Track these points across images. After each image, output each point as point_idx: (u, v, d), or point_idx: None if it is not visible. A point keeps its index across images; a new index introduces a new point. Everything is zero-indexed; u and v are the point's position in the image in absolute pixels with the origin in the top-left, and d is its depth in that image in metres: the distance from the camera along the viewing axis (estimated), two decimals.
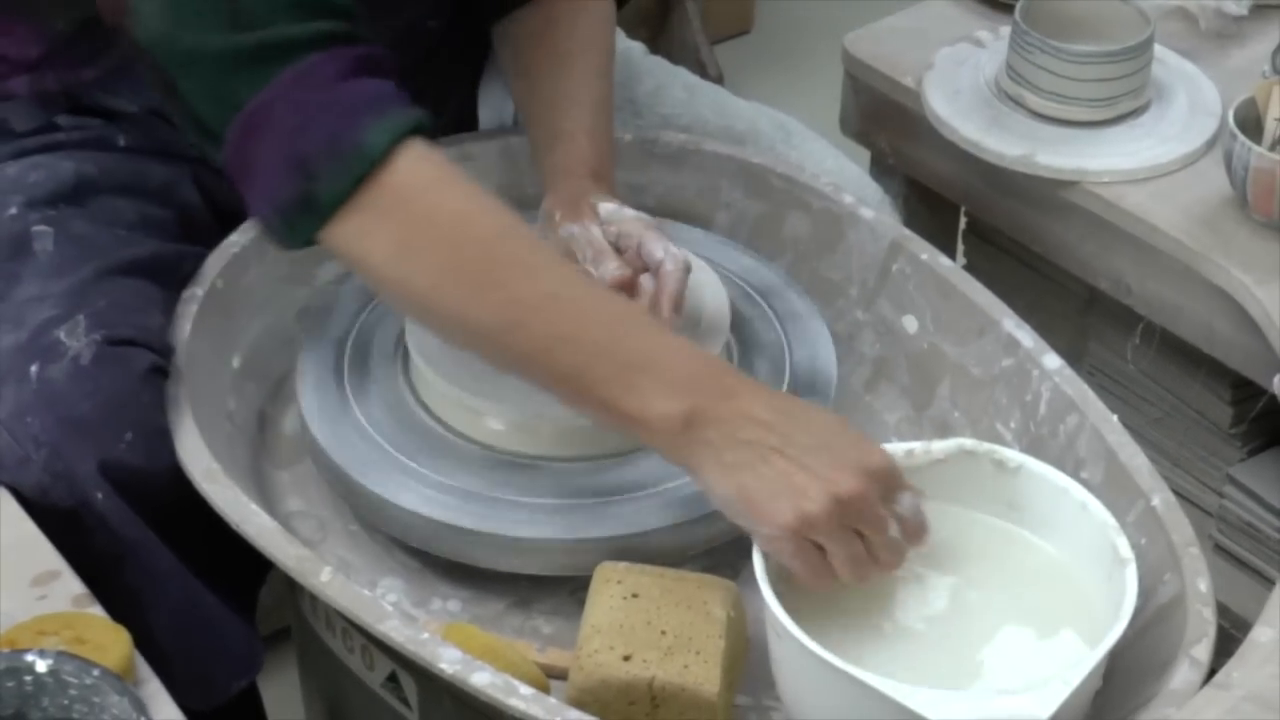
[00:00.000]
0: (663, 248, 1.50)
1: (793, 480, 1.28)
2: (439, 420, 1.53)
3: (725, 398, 1.30)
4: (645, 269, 1.52)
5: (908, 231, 1.70)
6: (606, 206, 1.54)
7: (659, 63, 1.93)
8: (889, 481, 1.30)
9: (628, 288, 1.50)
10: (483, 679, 1.27)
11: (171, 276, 1.59)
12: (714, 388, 1.30)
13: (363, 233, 1.35)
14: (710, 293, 1.58)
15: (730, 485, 1.29)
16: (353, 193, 1.33)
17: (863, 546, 1.29)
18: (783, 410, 1.31)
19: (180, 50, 1.34)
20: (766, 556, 1.32)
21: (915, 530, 1.32)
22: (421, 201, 1.35)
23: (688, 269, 1.50)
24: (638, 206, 1.67)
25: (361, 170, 1.32)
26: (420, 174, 1.34)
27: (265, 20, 1.32)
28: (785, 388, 1.56)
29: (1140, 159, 1.85)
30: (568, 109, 1.63)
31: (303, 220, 1.36)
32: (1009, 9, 1.97)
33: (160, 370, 1.48)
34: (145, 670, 1.27)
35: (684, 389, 1.29)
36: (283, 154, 1.33)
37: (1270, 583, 1.84)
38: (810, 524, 1.27)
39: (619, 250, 1.53)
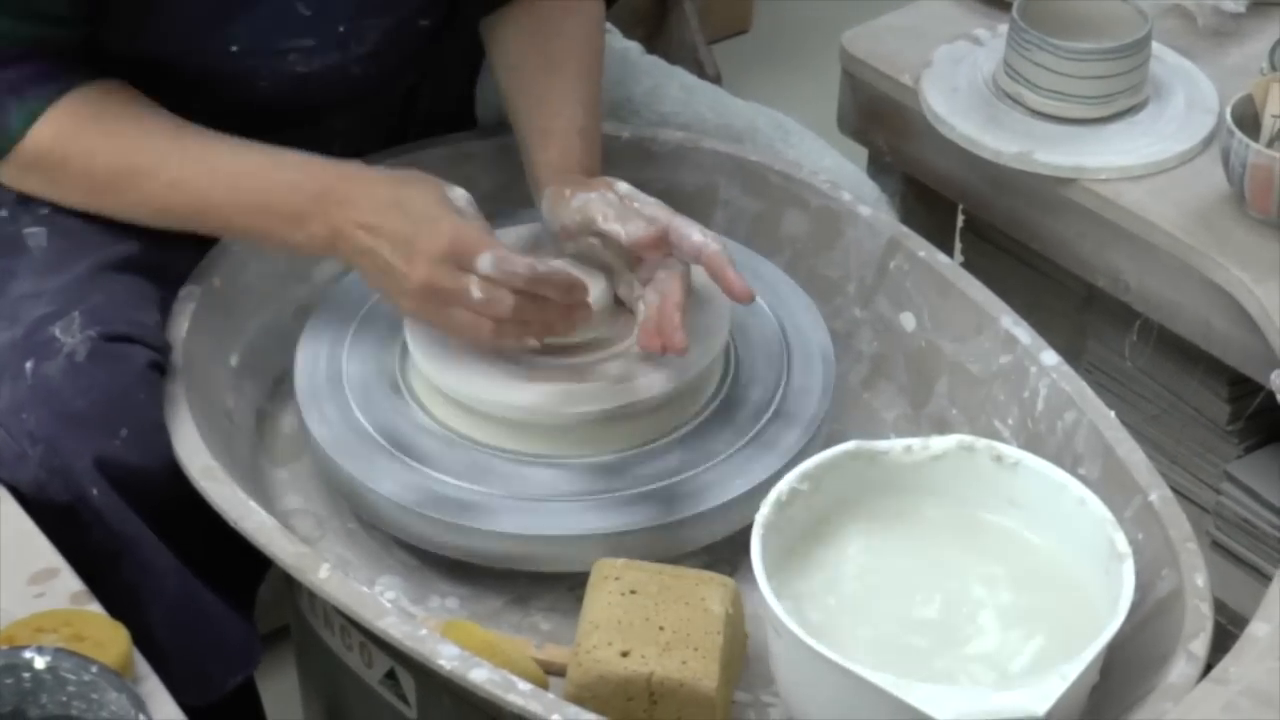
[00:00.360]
0: (698, 230, 1.49)
1: (387, 279, 1.47)
2: (436, 419, 1.53)
3: (343, 207, 1.48)
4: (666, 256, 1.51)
5: (905, 229, 1.70)
6: (624, 185, 1.53)
7: (656, 62, 1.93)
8: (458, 255, 1.43)
9: (657, 244, 1.49)
10: (481, 675, 1.28)
11: (166, 274, 1.59)
12: (333, 202, 1.48)
13: (16, 179, 1.55)
14: (710, 292, 1.57)
15: (369, 283, 1.51)
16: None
17: (466, 315, 1.45)
18: (384, 208, 1.47)
19: None
20: (764, 551, 1.32)
21: (504, 279, 1.42)
22: (58, 156, 1.52)
23: (725, 244, 1.50)
24: None
25: (2, 149, 1.52)
26: (55, 138, 1.51)
27: None
28: (780, 391, 1.56)
29: (1138, 156, 1.85)
30: (560, 108, 1.63)
31: None
32: (1007, 7, 1.97)
33: (156, 366, 1.49)
34: (144, 667, 1.27)
35: (311, 216, 1.49)
36: None
37: (1267, 579, 1.85)
38: (413, 313, 1.48)
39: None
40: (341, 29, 1.59)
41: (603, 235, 1.51)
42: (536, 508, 1.46)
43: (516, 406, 1.49)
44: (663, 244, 1.49)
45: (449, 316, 1.46)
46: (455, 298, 1.45)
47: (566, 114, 1.62)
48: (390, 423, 1.53)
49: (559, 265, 1.48)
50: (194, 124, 1.55)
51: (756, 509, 1.39)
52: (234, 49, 1.56)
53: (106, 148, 1.52)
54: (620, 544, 1.44)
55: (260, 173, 1.52)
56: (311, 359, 1.58)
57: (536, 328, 1.47)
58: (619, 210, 1.50)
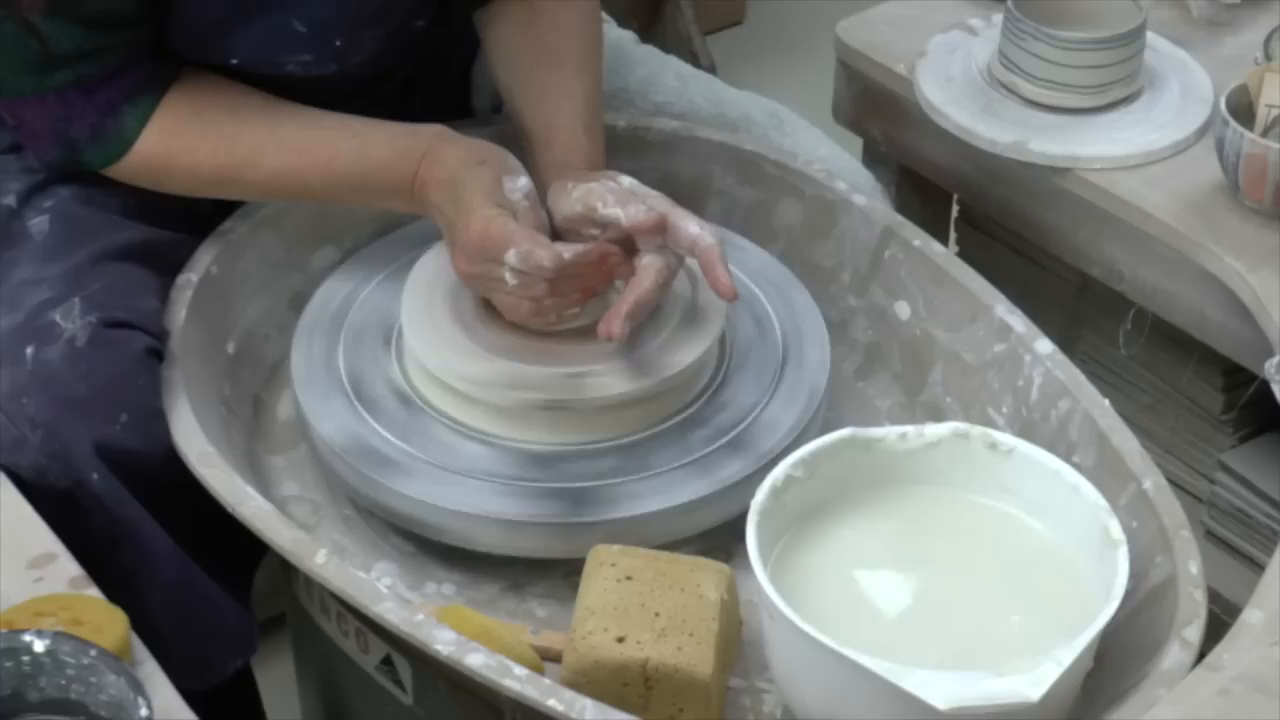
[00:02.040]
0: (695, 222, 1.50)
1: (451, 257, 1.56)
2: (431, 406, 1.54)
3: (427, 184, 1.56)
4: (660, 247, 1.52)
5: (900, 218, 1.70)
6: (626, 179, 1.54)
7: (651, 51, 1.93)
8: (490, 250, 1.48)
9: (656, 228, 1.50)
10: (477, 660, 1.28)
11: (165, 261, 1.60)
12: (413, 186, 1.57)
13: (126, 177, 1.59)
14: (705, 309, 1.57)
15: None
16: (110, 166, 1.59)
17: (506, 297, 1.52)
18: (449, 197, 1.54)
19: None
20: (759, 538, 1.33)
21: (535, 269, 1.47)
22: (160, 158, 1.58)
23: (722, 240, 1.51)
24: None
25: (120, 152, 1.57)
26: (160, 138, 1.57)
27: (68, 61, 1.51)
28: (748, 420, 1.55)
29: (1132, 146, 1.85)
30: (560, 102, 1.63)
31: (70, 169, 1.59)
32: None
33: (155, 353, 1.49)
34: (142, 651, 1.28)
35: (400, 193, 1.58)
36: (52, 131, 1.56)
37: (1261, 568, 1.85)
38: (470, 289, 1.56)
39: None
40: (338, 43, 1.59)
41: (603, 223, 1.51)
42: (449, 479, 1.48)
43: (461, 376, 1.51)
44: (660, 230, 1.50)
45: (493, 295, 1.53)
46: (493, 285, 1.51)
47: (568, 109, 1.62)
48: (361, 369, 1.56)
49: (583, 247, 1.49)
50: (287, 105, 1.60)
51: (668, 527, 1.42)
52: (234, 61, 1.58)
53: (207, 146, 1.58)
54: (514, 532, 1.46)
55: (353, 158, 1.58)
56: (329, 294, 1.62)
57: (578, 297, 1.52)
58: (619, 196, 1.51)
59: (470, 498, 1.47)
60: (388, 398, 1.54)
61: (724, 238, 1.54)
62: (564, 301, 1.51)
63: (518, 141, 1.64)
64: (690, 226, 1.49)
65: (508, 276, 1.48)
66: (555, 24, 1.67)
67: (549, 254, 1.46)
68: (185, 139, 1.57)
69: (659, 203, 1.51)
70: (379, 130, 1.59)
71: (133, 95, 1.55)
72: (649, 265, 1.50)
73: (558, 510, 1.46)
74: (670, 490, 1.48)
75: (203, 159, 1.58)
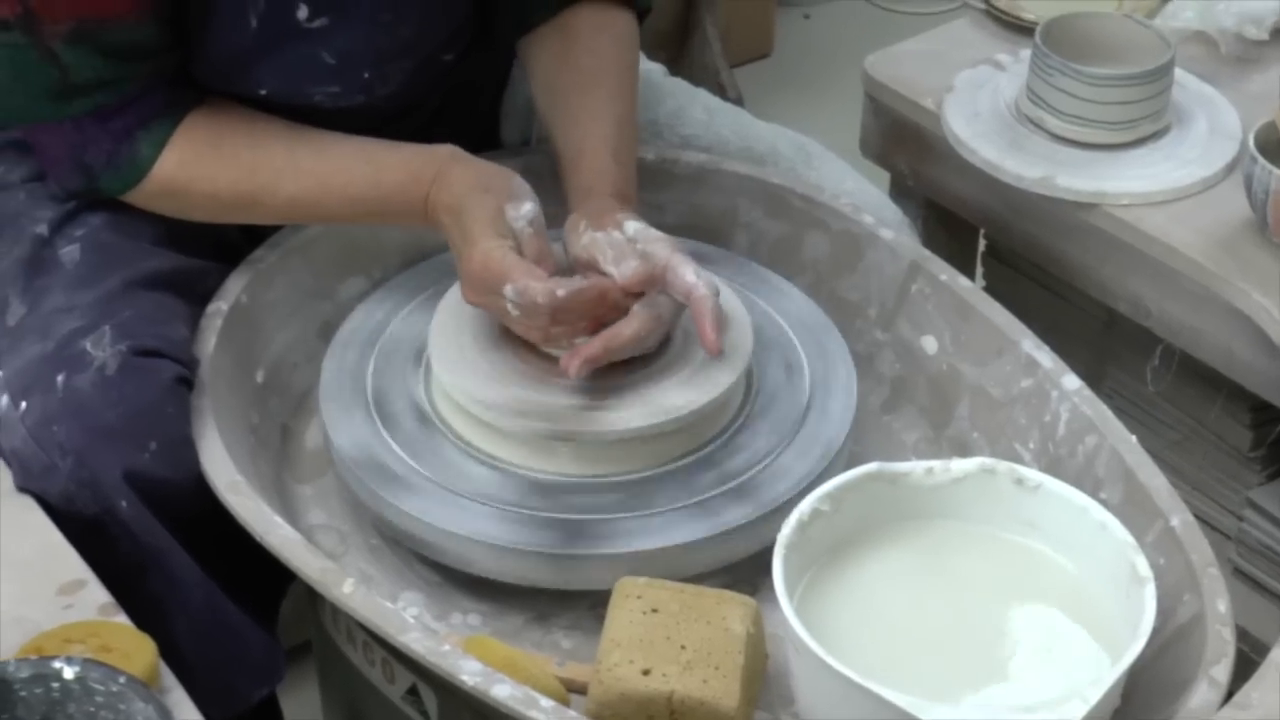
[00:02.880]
0: (692, 271, 1.49)
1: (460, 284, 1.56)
2: (448, 426, 1.54)
3: (438, 208, 1.56)
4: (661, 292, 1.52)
5: (927, 252, 1.70)
6: (633, 224, 1.54)
7: (679, 84, 1.94)
8: (490, 282, 1.49)
9: (649, 283, 1.50)
10: (503, 691, 1.28)
11: (195, 290, 1.60)
12: (429, 208, 1.57)
13: (144, 202, 1.61)
14: (733, 317, 1.58)
15: None
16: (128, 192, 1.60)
17: (517, 323, 1.51)
18: (455, 223, 1.55)
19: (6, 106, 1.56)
20: (785, 572, 1.33)
21: (529, 306, 1.48)
22: (179, 184, 1.59)
23: (717, 292, 1.50)
24: (658, 226, 1.67)
25: (136, 179, 1.59)
26: (179, 166, 1.58)
27: (87, 90, 1.52)
28: (760, 466, 1.53)
29: (1160, 182, 1.85)
30: (591, 127, 1.63)
31: (88, 195, 1.61)
32: (1029, 32, 1.98)
33: (184, 381, 1.50)
34: (170, 679, 1.29)
35: (415, 214, 1.58)
36: (70, 158, 1.58)
37: None
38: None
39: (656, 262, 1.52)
40: (366, 75, 1.60)
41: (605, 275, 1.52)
42: (450, 499, 1.48)
43: (474, 399, 1.51)
44: (655, 282, 1.50)
45: (504, 321, 1.53)
46: (499, 313, 1.51)
47: (597, 134, 1.62)
48: (387, 385, 1.57)
49: (581, 282, 1.49)
50: (305, 131, 1.62)
51: (661, 567, 1.42)
52: (263, 92, 1.59)
53: (226, 173, 1.59)
54: (504, 557, 1.46)
55: (368, 184, 1.60)
56: (367, 314, 1.64)
57: (585, 325, 1.51)
58: (618, 251, 1.51)
59: (466, 520, 1.47)
60: (407, 414, 1.55)
61: (755, 274, 1.55)
62: (571, 330, 1.51)
63: (551, 167, 1.65)
64: (687, 276, 1.49)
65: (511, 308, 1.48)
66: (591, 50, 1.68)
67: (543, 290, 1.46)
68: (204, 166, 1.58)
69: (660, 249, 1.51)
70: (393, 154, 1.60)
71: (148, 122, 1.56)
72: (636, 314, 1.50)
73: (550, 540, 1.46)
74: (666, 530, 1.47)
75: (222, 186, 1.59)
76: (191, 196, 1.59)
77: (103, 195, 1.59)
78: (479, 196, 1.53)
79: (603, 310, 1.50)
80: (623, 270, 1.50)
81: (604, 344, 1.49)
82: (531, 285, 1.46)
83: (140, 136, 1.56)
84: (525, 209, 1.52)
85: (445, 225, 1.55)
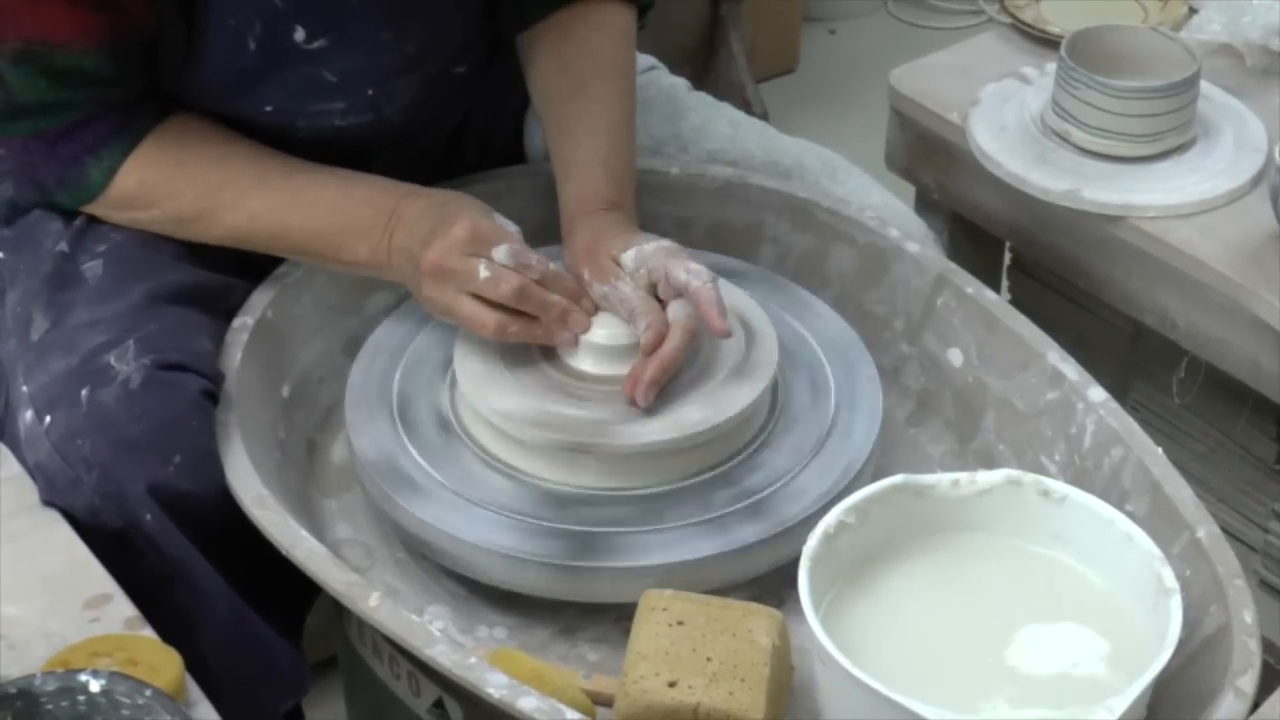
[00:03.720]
0: (683, 268, 1.50)
1: (409, 267, 1.54)
2: (468, 435, 1.54)
3: (398, 226, 1.55)
4: (677, 294, 1.52)
5: (953, 265, 1.70)
6: (627, 255, 1.54)
7: (704, 98, 1.94)
8: (476, 243, 1.49)
9: (660, 340, 1.50)
10: (530, 704, 1.28)
11: (219, 304, 1.61)
12: (390, 223, 1.56)
13: (106, 215, 1.61)
14: (758, 333, 1.58)
15: (405, 279, 1.57)
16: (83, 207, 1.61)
17: (471, 304, 1.50)
18: (426, 212, 1.54)
19: None
20: (811, 584, 1.33)
21: (522, 266, 1.49)
22: (142, 202, 1.59)
23: (714, 278, 1.51)
24: (684, 240, 1.67)
25: (89, 199, 1.59)
26: (140, 186, 1.58)
27: (29, 112, 1.53)
28: (777, 485, 1.53)
29: (1186, 194, 1.85)
30: (582, 136, 1.64)
31: (47, 206, 1.62)
32: (1054, 45, 1.98)
33: (209, 395, 1.50)
34: (196, 692, 1.29)
35: (372, 234, 1.57)
36: (23, 172, 1.60)
37: None
38: (428, 300, 1.53)
39: (654, 283, 1.53)
40: (370, 91, 1.61)
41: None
42: (464, 507, 1.49)
43: (493, 408, 1.51)
44: (662, 338, 1.50)
45: (456, 304, 1.51)
46: (463, 280, 1.50)
47: (588, 143, 1.63)
48: (412, 392, 1.58)
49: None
50: (273, 153, 1.61)
51: (670, 582, 1.42)
52: (268, 109, 1.60)
53: (192, 191, 1.59)
54: (513, 567, 1.46)
55: (335, 196, 1.59)
56: (397, 322, 1.64)
57: (539, 328, 1.51)
58: (629, 308, 1.52)
59: (477, 528, 1.47)
60: (429, 421, 1.56)
61: (781, 287, 1.58)
62: (525, 325, 1.51)
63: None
64: (679, 274, 1.50)
65: (481, 270, 1.48)
66: (585, 50, 1.68)
67: (538, 256, 1.50)
68: (168, 185, 1.59)
69: (657, 260, 1.52)
70: (364, 176, 1.61)
71: (96, 149, 1.57)
72: (675, 322, 1.50)
73: (560, 551, 1.46)
74: (677, 546, 1.47)
75: (186, 203, 1.59)
76: (151, 213, 1.60)
77: (60, 208, 1.61)
78: (463, 200, 1.56)
79: (564, 309, 1.52)
80: (637, 330, 1.51)
81: (659, 365, 1.49)
82: (530, 251, 1.50)
83: (89, 162, 1.57)
84: (507, 221, 1.55)
85: (410, 231, 1.54)
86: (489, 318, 1.50)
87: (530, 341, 1.53)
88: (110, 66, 1.52)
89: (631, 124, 1.68)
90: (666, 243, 1.54)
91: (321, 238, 1.59)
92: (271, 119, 1.61)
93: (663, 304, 1.52)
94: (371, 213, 1.57)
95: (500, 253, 1.49)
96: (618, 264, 1.54)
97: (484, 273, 1.49)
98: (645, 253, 1.53)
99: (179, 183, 1.58)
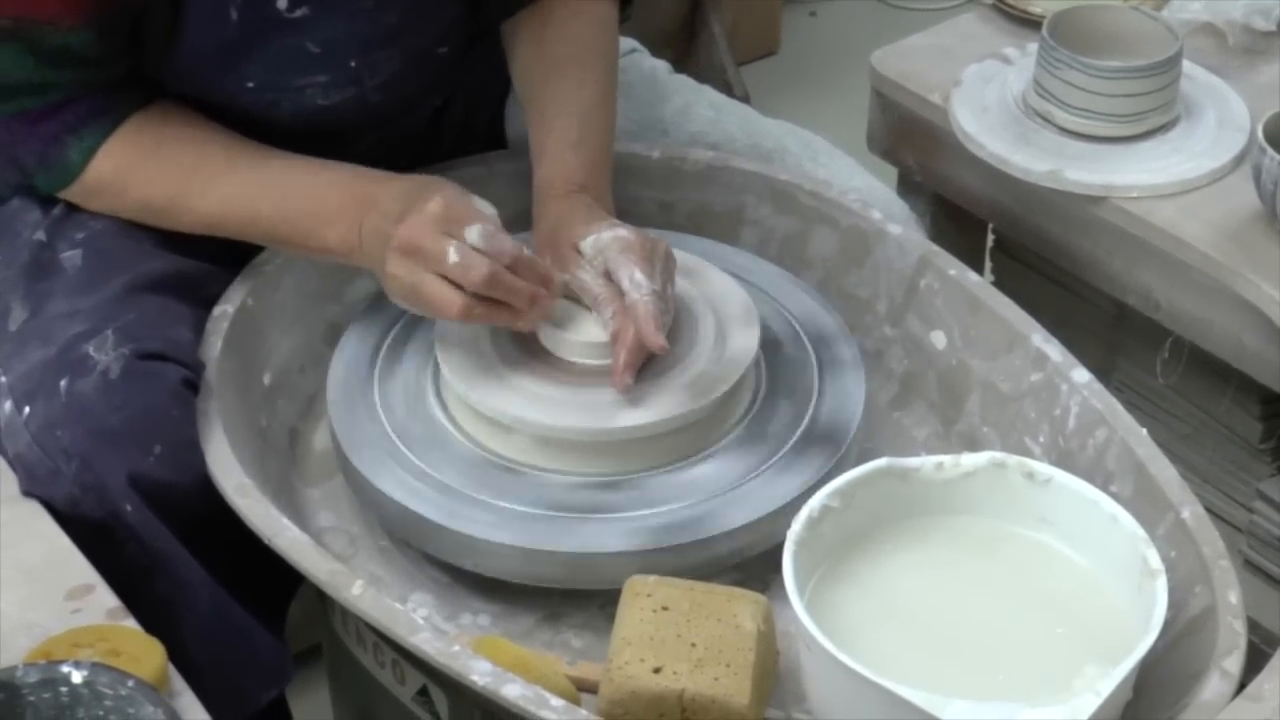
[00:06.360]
0: (627, 276, 1.50)
1: (377, 245, 1.51)
2: (469, 437, 1.54)
3: (370, 211, 1.53)
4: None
5: (935, 247, 1.70)
6: (585, 243, 1.54)
7: (685, 81, 1.94)
8: (449, 221, 1.47)
9: (625, 327, 1.49)
10: (514, 691, 1.28)
11: (198, 293, 1.60)
12: (362, 207, 1.54)
13: (80, 201, 1.60)
14: (740, 318, 1.58)
15: (368, 262, 1.55)
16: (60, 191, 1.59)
17: (438, 285, 1.47)
18: (400, 194, 1.52)
19: None
20: (796, 569, 1.33)
21: (489, 252, 1.46)
22: (117, 187, 1.58)
23: (654, 291, 1.50)
24: (665, 224, 1.67)
25: (66, 180, 1.58)
26: (115, 171, 1.57)
27: (13, 92, 1.53)
28: (802, 431, 1.54)
29: (1169, 174, 1.85)
30: (554, 120, 1.64)
31: (26, 193, 1.63)
32: (1036, 25, 1.98)
33: (189, 384, 1.49)
34: (179, 682, 1.28)
35: (347, 212, 1.54)
36: (3, 152, 1.58)
37: None
38: (391, 279, 1.50)
39: (609, 275, 1.53)
40: (353, 64, 1.60)
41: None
42: (489, 511, 1.47)
43: (503, 411, 1.50)
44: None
45: (423, 283, 1.48)
46: (432, 261, 1.47)
47: (560, 127, 1.63)
48: (397, 405, 1.56)
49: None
50: (247, 140, 1.60)
51: (709, 555, 1.42)
52: (250, 85, 1.59)
53: (164, 176, 1.58)
54: (530, 560, 1.45)
55: (306, 181, 1.57)
56: (360, 338, 1.62)
57: (504, 313, 1.49)
58: (594, 297, 1.52)
59: (511, 530, 1.46)
60: (427, 433, 1.54)
61: (763, 271, 1.59)
62: (490, 310, 1.48)
63: None
64: (623, 281, 1.50)
65: (452, 252, 1.46)
66: (565, 36, 1.68)
67: (510, 240, 1.48)
68: (142, 171, 1.58)
69: (611, 251, 1.51)
70: (337, 164, 1.59)
71: (77, 129, 1.56)
72: (637, 301, 1.50)
73: (599, 540, 1.46)
74: (687, 524, 1.47)
75: (158, 189, 1.58)
76: (125, 199, 1.59)
77: (40, 193, 1.61)
78: (438, 182, 1.54)
79: (532, 294, 1.49)
80: (610, 326, 1.51)
81: (629, 351, 1.49)
82: (501, 234, 1.47)
83: (70, 142, 1.56)
84: (484, 202, 1.53)
85: (382, 212, 1.51)
86: (455, 299, 1.47)
87: (494, 324, 1.52)
88: (97, 45, 1.51)
89: (608, 108, 1.68)
90: (624, 231, 1.53)
91: (290, 223, 1.57)
92: (254, 98, 1.59)
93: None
94: (341, 196, 1.55)
95: (473, 233, 1.46)
96: (577, 251, 1.54)
97: (454, 256, 1.46)
98: (602, 242, 1.53)
99: (152, 168, 1.58)
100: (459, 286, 1.47)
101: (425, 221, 1.48)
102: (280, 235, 1.59)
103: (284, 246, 1.61)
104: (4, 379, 1.48)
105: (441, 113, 1.80)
